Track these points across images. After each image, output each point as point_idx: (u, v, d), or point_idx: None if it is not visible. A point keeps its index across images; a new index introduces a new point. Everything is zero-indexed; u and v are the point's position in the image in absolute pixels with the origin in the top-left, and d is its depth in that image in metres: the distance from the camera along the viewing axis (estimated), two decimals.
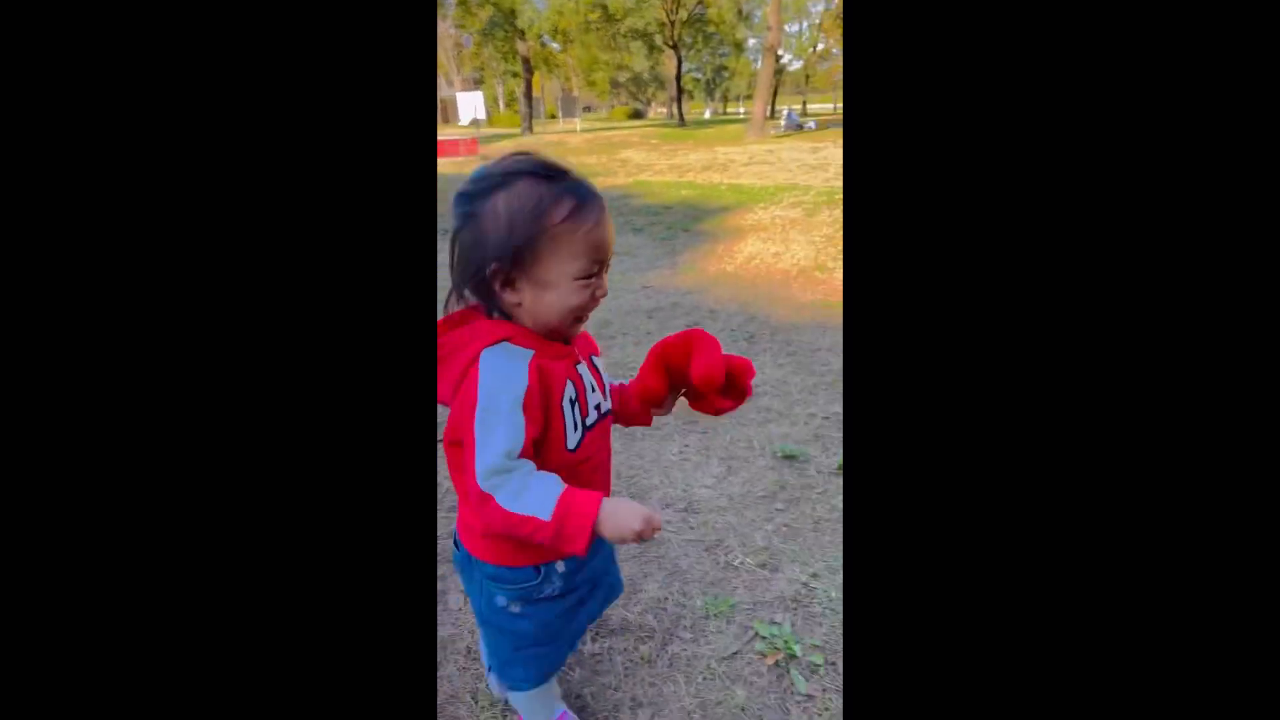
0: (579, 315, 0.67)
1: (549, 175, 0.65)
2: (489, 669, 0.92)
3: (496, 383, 0.64)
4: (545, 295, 0.65)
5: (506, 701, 0.98)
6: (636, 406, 0.76)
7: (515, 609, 0.74)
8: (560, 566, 0.73)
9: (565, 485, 0.64)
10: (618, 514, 0.62)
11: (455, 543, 0.80)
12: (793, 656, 1.24)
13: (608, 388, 0.73)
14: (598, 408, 0.70)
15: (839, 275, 3.94)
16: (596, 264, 0.66)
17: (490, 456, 0.63)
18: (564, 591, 0.74)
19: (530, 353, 0.67)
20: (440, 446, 0.71)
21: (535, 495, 0.63)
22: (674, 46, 30.53)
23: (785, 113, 22.72)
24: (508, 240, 0.63)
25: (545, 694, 0.85)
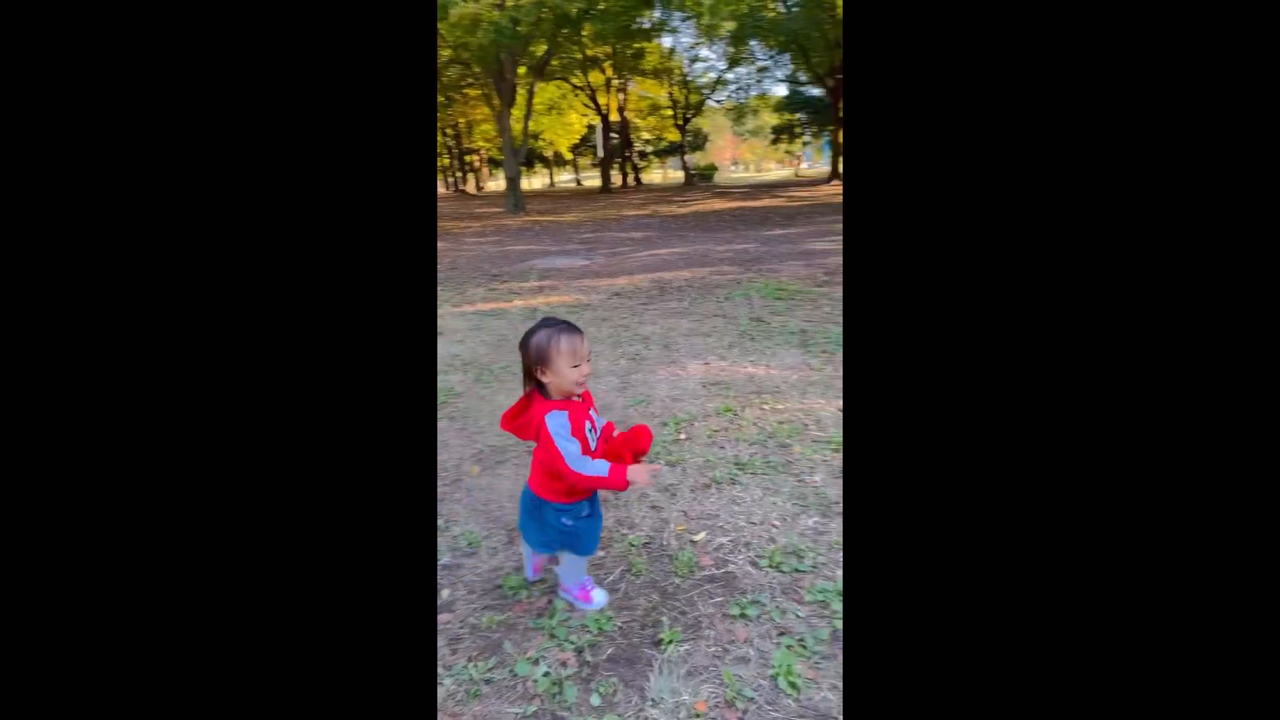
0: (578, 385, 1.42)
1: (553, 324, 1.42)
2: (548, 556, 1.66)
3: (557, 427, 1.37)
4: (559, 378, 1.39)
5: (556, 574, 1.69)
6: (609, 456, 1.48)
7: (569, 522, 1.50)
8: (584, 506, 1.51)
9: (611, 463, 1.40)
10: (637, 471, 1.39)
11: (529, 497, 1.53)
12: None
13: (600, 427, 1.51)
14: (595, 432, 1.49)
15: None
16: (578, 359, 1.40)
17: (569, 457, 1.37)
18: (589, 514, 1.53)
19: (566, 411, 1.40)
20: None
21: (597, 468, 1.38)
22: None
23: None
24: (540, 355, 1.39)
25: (581, 565, 1.62)
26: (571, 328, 1.40)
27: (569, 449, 1.37)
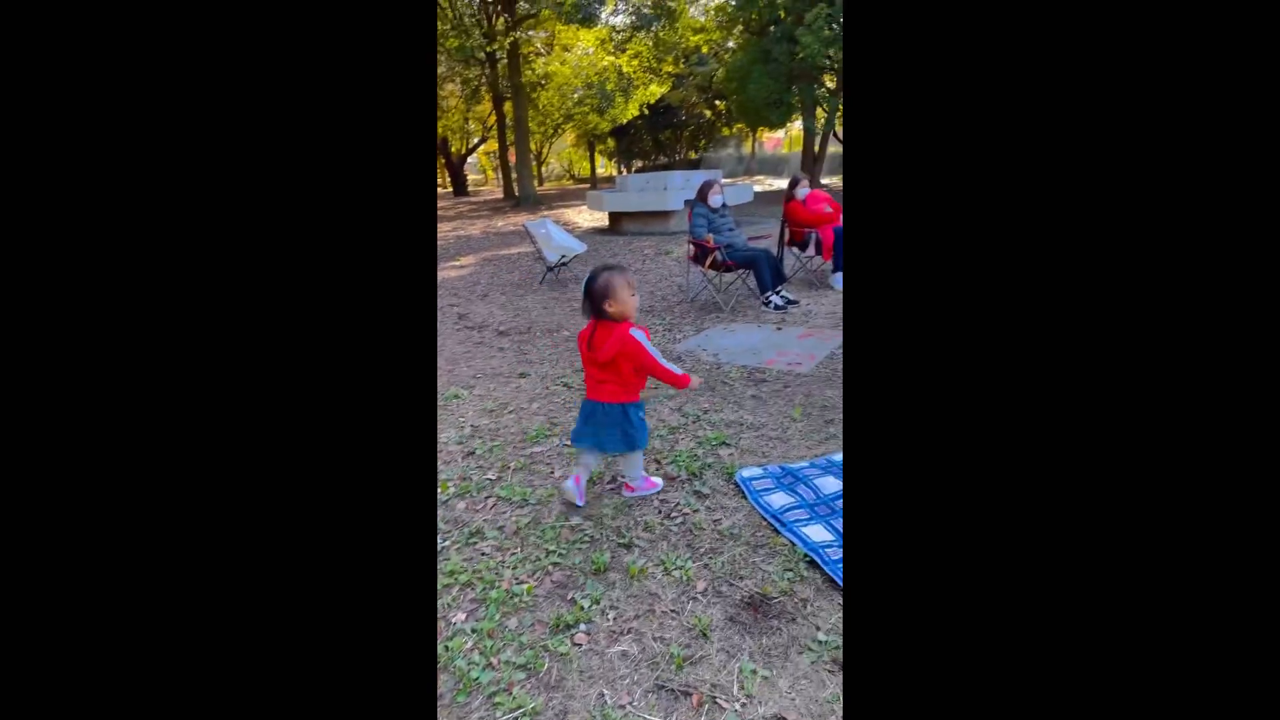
0: (635, 310, 1.96)
1: (614, 268, 1.96)
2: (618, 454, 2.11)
3: (644, 338, 1.93)
4: (622, 305, 1.92)
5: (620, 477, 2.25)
6: None
7: (641, 415, 2.04)
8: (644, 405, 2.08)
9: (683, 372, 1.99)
10: (694, 376, 2.15)
11: (598, 407, 2.01)
12: None
13: None
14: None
15: None
16: (632, 289, 1.94)
17: (660, 358, 1.94)
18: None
19: (643, 330, 1.97)
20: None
21: (674, 368, 1.97)
22: None
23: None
24: (608, 290, 1.91)
25: (640, 459, 2.16)
26: (621, 268, 1.96)
27: (657, 352, 1.95)
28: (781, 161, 26.27)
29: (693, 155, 26.96)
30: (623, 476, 2.23)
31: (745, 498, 2.11)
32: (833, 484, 2.12)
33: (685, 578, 1.73)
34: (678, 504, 2.11)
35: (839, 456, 2.33)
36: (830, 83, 15.41)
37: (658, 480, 2.22)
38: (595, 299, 1.91)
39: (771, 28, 14.82)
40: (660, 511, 2.08)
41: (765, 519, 1.98)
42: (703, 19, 18.37)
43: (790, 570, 1.73)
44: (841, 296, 4.93)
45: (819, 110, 15.15)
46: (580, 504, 2.10)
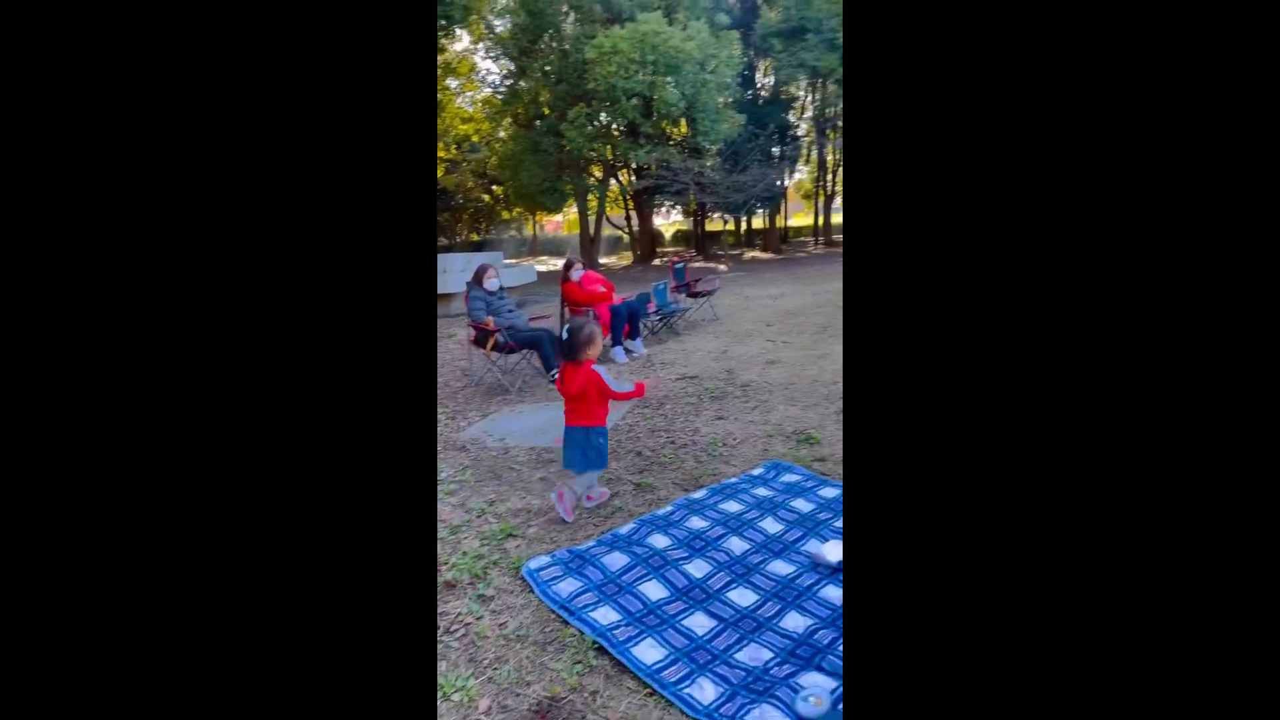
0: (601, 354, 2.66)
1: (586, 322, 2.55)
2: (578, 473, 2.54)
3: (607, 375, 2.47)
4: (595, 349, 2.51)
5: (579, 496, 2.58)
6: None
7: (601, 440, 2.53)
8: (604, 430, 2.58)
9: (636, 382, 2.64)
10: (645, 384, 2.64)
11: (576, 433, 2.50)
12: None
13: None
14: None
15: None
16: (595, 341, 2.52)
17: (617, 386, 2.50)
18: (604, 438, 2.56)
19: (605, 367, 2.67)
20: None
21: (627, 387, 2.56)
22: None
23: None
24: (590, 340, 2.49)
25: (595, 478, 2.64)
26: (593, 325, 2.50)
27: (617, 383, 2.47)
28: (563, 242, 27.63)
29: (475, 237, 27.01)
30: (581, 492, 2.63)
31: (533, 591, 2.01)
32: (619, 560, 2.13)
33: (466, 699, 1.56)
34: (459, 614, 1.92)
35: (624, 529, 2.37)
36: (597, 172, 16.81)
37: (605, 490, 2.72)
38: (577, 343, 2.44)
39: (538, 122, 15.84)
40: (439, 627, 1.87)
41: (553, 610, 1.90)
42: (471, 109, 18.95)
43: (579, 662, 1.66)
44: (623, 367, 5.19)
45: (590, 196, 16.35)
46: (569, 520, 2.49)
